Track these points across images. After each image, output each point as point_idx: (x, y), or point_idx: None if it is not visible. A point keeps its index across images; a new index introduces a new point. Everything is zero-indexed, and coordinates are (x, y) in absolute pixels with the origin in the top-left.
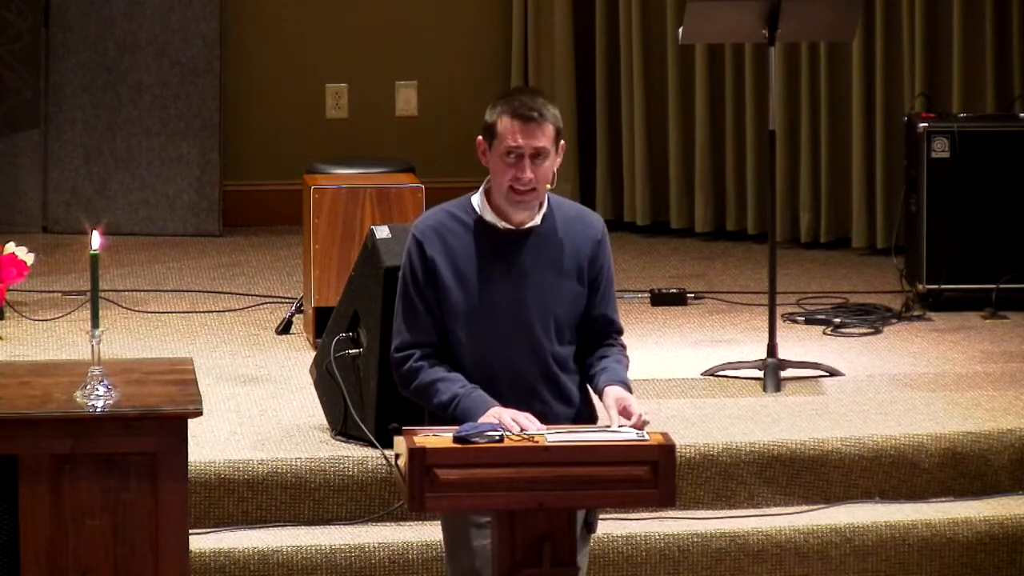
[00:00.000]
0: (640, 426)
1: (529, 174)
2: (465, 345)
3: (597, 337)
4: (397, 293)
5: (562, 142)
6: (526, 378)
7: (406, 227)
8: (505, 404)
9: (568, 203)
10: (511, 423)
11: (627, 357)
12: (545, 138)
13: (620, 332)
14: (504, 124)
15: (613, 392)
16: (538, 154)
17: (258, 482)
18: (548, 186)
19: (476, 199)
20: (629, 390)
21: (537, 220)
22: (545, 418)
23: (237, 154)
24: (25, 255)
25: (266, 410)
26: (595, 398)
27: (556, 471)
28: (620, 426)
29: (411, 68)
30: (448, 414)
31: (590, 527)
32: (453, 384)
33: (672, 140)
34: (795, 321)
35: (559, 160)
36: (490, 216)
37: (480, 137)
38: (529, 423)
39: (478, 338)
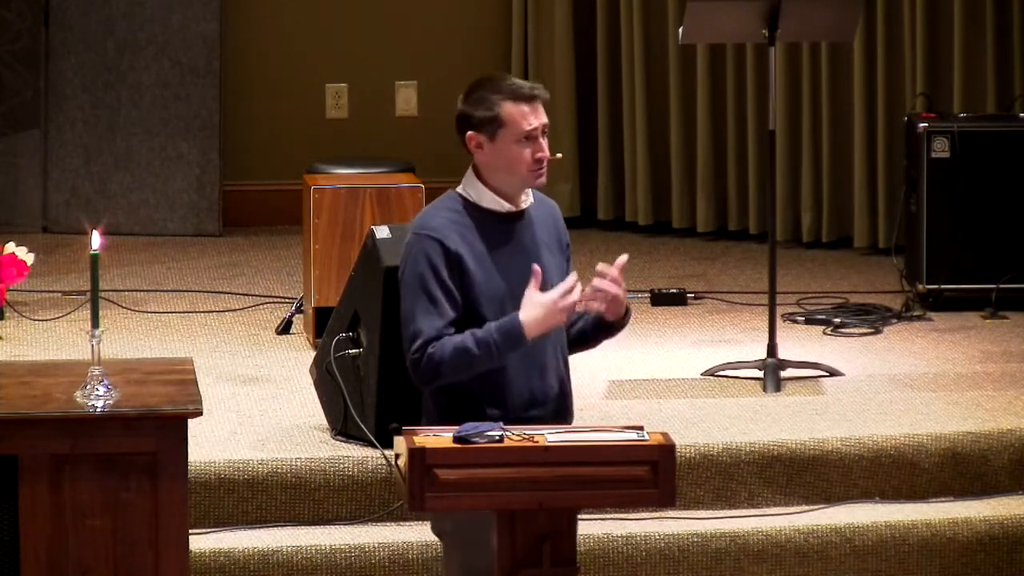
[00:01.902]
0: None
1: (547, 150)
2: None
3: None
4: (408, 297)
5: None
6: (543, 358)
7: (406, 227)
8: (523, 384)
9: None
10: (560, 299)
11: None
12: (545, 114)
13: None
14: (510, 110)
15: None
16: (545, 129)
17: (258, 482)
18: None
19: (468, 191)
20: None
21: (530, 198)
22: (548, 398)
23: (237, 154)
24: (25, 255)
25: (266, 410)
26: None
27: (556, 471)
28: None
29: (411, 68)
30: (494, 357)
31: None
32: (471, 336)
33: (673, 140)
34: (795, 321)
35: None
36: (488, 202)
37: (471, 132)
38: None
39: None
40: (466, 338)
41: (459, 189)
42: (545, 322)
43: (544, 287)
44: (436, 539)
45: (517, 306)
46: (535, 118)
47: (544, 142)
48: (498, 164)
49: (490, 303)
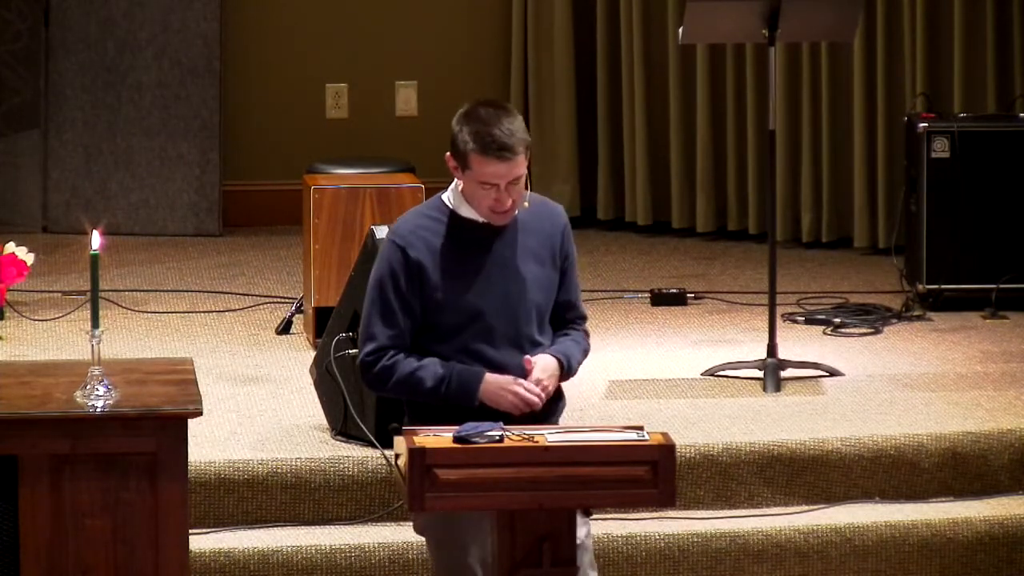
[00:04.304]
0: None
1: (508, 201)
2: (453, 341)
3: (560, 323)
4: (368, 299)
5: (528, 142)
6: (509, 369)
7: None
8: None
9: (528, 192)
10: (523, 396)
11: (586, 340)
12: (519, 166)
13: (584, 318)
14: (477, 161)
15: (538, 357)
16: (515, 181)
17: (258, 482)
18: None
19: (448, 196)
20: (564, 359)
21: (523, 205)
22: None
23: (237, 154)
24: (25, 255)
25: (266, 410)
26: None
27: (556, 471)
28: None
29: (411, 68)
30: (440, 396)
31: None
32: (433, 367)
33: (673, 140)
34: (795, 321)
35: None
36: (467, 212)
37: (449, 154)
38: (530, 394)
39: (467, 333)
40: (425, 368)
41: (444, 193)
42: (497, 397)
43: (519, 297)
44: None
45: (483, 320)
46: (496, 175)
47: (508, 193)
48: (466, 192)
49: (454, 313)
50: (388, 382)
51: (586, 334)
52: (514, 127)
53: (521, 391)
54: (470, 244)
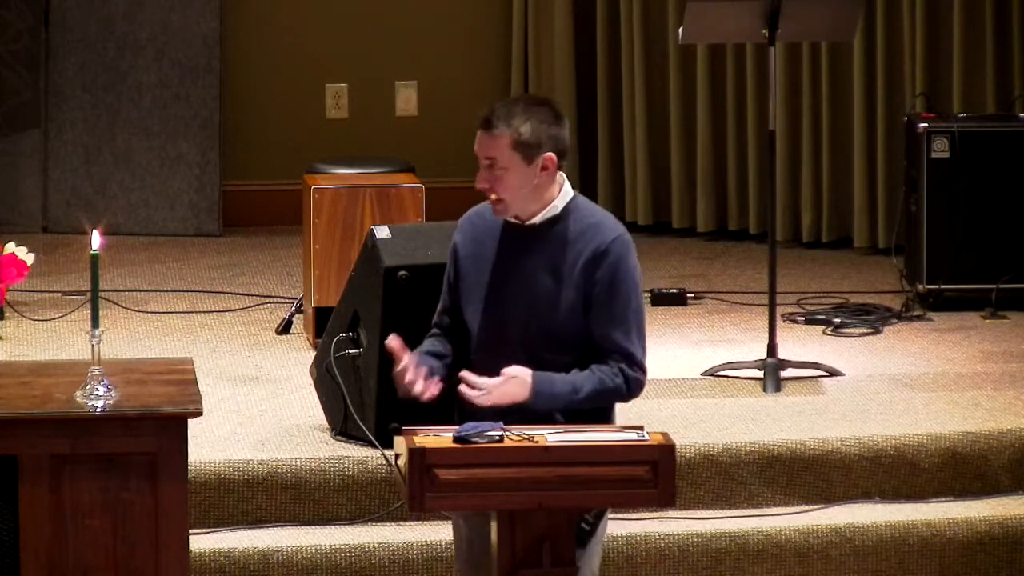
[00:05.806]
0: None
1: (482, 183)
2: (474, 334)
3: (597, 356)
4: None
5: (546, 155)
6: (483, 374)
7: (406, 227)
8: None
9: (592, 210)
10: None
11: (612, 379)
12: (495, 148)
13: (622, 355)
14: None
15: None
16: (491, 164)
17: (258, 482)
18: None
19: None
20: (536, 375)
21: (537, 219)
22: (525, 414)
23: (237, 154)
24: (25, 255)
25: (266, 410)
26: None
27: (556, 471)
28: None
29: (411, 68)
30: None
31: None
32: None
33: (673, 140)
34: (795, 321)
35: (542, 173)
36: None
37: None
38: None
39: (482, 327)
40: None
41: None
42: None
43: (513, 306)
44: (436, 539)
45: (496, 317)
46: (478, 146)
47: (487, 174)
48: None
49: (468, 302)
50: None
51: (620, 375)
52: (512, 110)
53: (403, 374)
54: (503, 243)
